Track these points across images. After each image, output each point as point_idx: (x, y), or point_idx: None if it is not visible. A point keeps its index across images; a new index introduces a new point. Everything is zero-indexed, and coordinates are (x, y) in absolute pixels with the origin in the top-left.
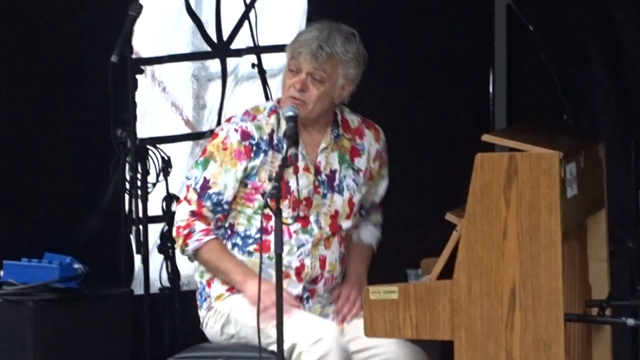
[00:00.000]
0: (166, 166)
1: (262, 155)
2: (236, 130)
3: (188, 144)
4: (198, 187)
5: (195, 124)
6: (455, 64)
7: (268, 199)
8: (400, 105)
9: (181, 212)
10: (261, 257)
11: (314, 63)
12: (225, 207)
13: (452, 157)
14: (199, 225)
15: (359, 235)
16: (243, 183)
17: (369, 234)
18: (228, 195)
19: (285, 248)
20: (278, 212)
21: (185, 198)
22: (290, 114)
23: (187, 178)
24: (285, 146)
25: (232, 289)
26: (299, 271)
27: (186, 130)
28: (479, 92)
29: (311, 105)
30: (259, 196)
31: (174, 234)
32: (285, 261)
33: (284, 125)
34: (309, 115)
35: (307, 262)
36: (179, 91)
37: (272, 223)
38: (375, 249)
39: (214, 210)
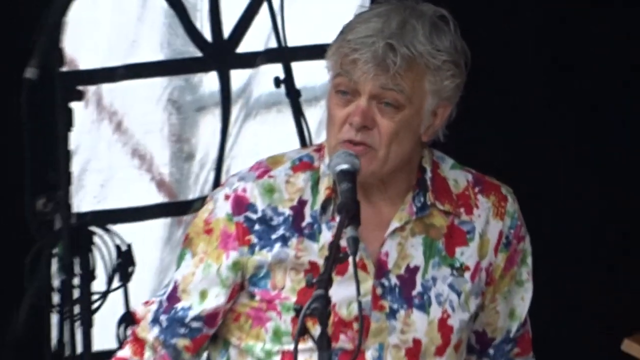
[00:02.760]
0: (125, 263)
1: (276, 244)
2: (227, 197)
3: (164, 223)
4: (165, 297)
5: (176, 186)
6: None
7: (304, 319)
8: (530, 135)
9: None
10: None
11: (383, 77)
12: (195, 333)
13: (621, 208)
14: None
15: None
16: (248, 293)
17: None
18: (203, 311)
19: None
20: (324, 343)
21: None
22: (346, 166)
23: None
24: (325, 225)
25: None
26: None
27: (160, 198)
28: None
29: (382, 150)
30: (274, 316)
31: None
32: None
33: (323, 190)
34: (381, 169)
35: None
36: (146, 129)
37: None
38: None
39: (165, 340)
